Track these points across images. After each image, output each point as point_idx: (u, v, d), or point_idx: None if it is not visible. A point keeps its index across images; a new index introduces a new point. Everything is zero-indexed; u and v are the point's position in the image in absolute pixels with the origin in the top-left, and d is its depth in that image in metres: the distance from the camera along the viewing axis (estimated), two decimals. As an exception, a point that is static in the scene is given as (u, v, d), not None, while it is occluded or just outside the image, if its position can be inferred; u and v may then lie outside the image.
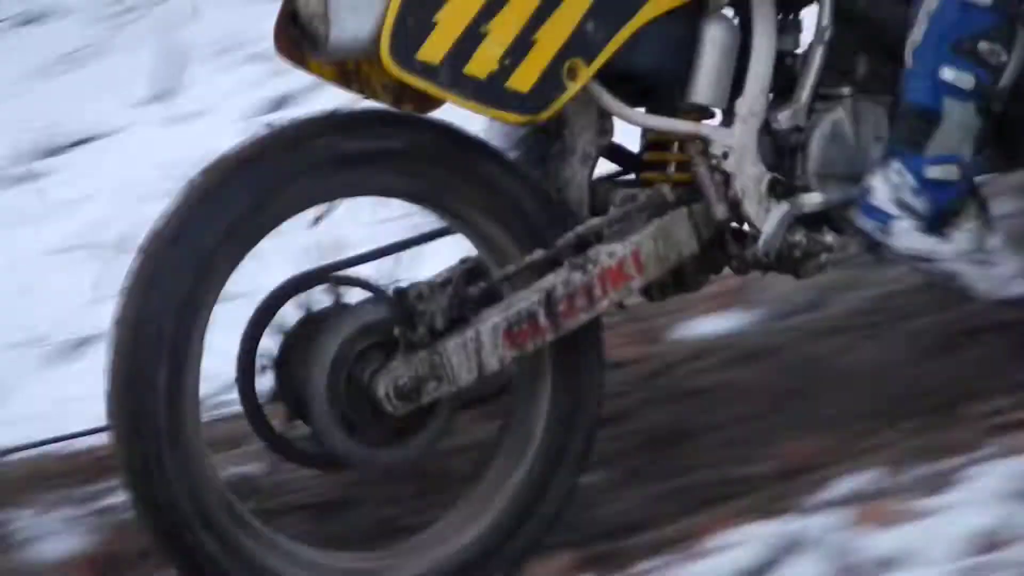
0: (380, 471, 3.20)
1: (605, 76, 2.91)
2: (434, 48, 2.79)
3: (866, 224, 2.94)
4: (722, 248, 3.10)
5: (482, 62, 2.84)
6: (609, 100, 2.93)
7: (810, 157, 3.04)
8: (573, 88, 2.85)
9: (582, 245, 2.90)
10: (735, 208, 3.01)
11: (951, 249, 2.92)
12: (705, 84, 3.00)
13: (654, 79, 3.03)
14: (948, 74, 2.86)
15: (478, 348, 2.80)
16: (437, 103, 2.96)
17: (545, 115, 2.89)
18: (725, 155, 3.00)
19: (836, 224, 3.06)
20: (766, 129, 3.03)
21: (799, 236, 3.02)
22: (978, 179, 3.09)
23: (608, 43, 2.86)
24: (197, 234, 2.72)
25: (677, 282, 3.15)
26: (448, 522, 2.94)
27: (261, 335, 2.92)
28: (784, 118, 3.03)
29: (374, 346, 2.82)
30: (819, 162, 3.04)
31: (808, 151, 3.04)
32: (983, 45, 2.85)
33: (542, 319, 2.84)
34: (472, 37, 2.82)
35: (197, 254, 2.74)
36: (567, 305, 2.87)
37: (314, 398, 2.78)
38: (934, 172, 2.85)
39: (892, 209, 2.87)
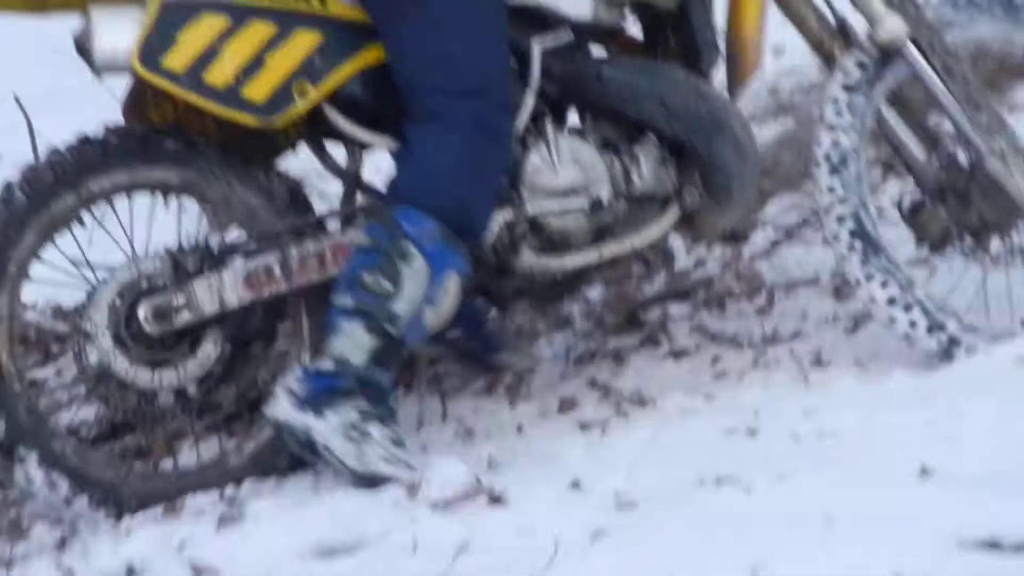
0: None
1: (339, 101, 3.80)
2: (177, 59, 3.73)
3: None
4: None
5: (219, 74, 3.74)
6: (337, 118, 3.79)
7: None
8: (302, 104, 3.74)
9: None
10: None
11: (323, 425, 3.62)
12: None
13: (381, 109, 3.81)
14: (338, 299, 3.67)
15: (220, 287, 3.75)
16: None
17: (279, 122, 3.77)
18: None
19: None
20: None
21: None
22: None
23: (331, 74, 3.74)
24: None
25: None
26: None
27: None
28: None
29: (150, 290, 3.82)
30: None
31: None
32: (366, 276, 3.63)
33: (276, 272, 3.79)
34: (210, 54, 3.74)
35: None
36: (300, 265, 3.80)
37: (97, 324, 3.78)
38: (320, 365, 3.65)
39: (277, 390, 3.67)
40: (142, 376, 3.75)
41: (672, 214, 3.97)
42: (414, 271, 3.62)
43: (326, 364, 3.62)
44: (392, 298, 3.60)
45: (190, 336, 3.76)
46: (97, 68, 3.80)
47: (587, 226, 3.92)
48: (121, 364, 3.73)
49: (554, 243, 3.94)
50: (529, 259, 3.92)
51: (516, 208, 3.86)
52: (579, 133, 3.97)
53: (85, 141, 3.82)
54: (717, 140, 3.92)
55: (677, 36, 4.03)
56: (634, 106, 3.93)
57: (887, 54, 3.94)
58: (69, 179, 3.78)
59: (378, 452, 3.62)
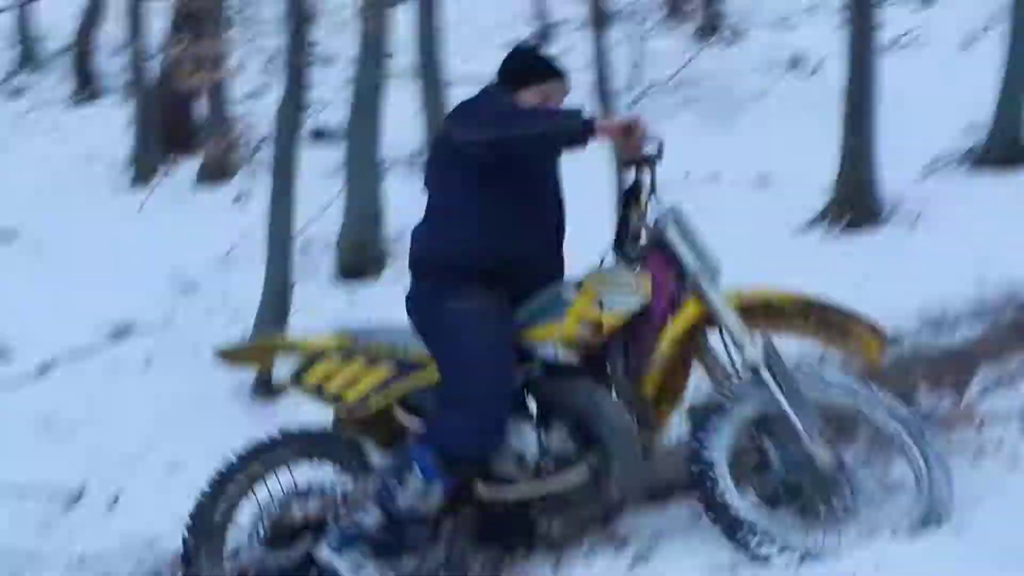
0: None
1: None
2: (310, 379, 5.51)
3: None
4: None
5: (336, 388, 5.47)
6: (398, 412, 5.43)
7: None
8: (373, 403, 5.42)
9: None
10: None
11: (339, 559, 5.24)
12: None
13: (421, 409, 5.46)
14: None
15: None
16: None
17: (360, 414, 5.51)
18: None
19: None
20: None
21: None
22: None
23: (395, 389, 5.42)
24: None
25: None
26: None
27: None
28: None
29: None
30: None
31: None
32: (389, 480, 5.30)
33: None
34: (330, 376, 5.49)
35: None
36: None
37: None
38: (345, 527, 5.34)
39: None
40: None
41: (581, 470, 5.37)
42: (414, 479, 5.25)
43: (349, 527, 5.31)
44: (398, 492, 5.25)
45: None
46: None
47: (521, 472, 5.39)
48: None
49: (498, 480, 5.41)
50: (482, 490, 5.39)
51: None
52: (521, 415, 5.45)
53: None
54: (601, 426, 5.34)
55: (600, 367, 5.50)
56: (562, 406, 5.45)
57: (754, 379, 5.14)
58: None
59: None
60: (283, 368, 5.66)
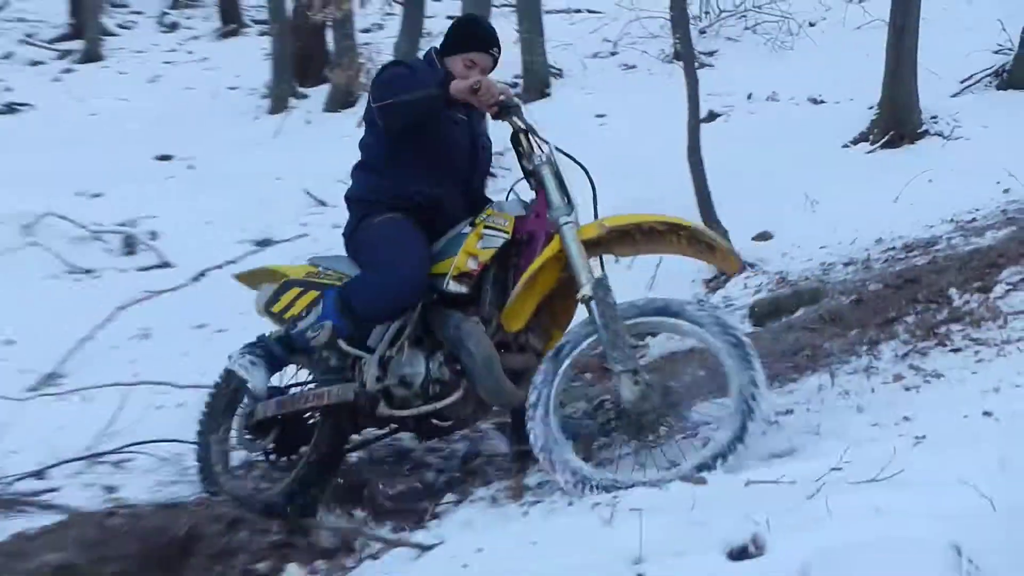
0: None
1: None
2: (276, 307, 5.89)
3: None
4: None
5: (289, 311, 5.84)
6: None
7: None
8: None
9: None
10: None
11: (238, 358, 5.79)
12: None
13: None
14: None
15: None
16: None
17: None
18: None
19: None
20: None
21: None
22: None
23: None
24: None
25: None
26: None
27: None
28: None
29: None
30: None
31: None
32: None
33: None
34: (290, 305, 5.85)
35: None
36: None
37: None
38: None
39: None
40: None
41: (458, 393, 5.41)
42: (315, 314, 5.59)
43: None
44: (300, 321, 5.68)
45: None
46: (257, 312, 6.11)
47: (411, 395, 5.47)
48: None
49: (395, 402, 5.54)
50: (384, 409, 5.54)
51: (382, 382, 5.50)
52: (419, 346, 5.53)
53: None
54: (464, 355, 5.35)
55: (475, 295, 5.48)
56: (442, 334, 5.46)
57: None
58: None
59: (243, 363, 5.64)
60: (262, 296, 6.11)
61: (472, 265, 5.40)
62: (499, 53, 5.72)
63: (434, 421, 5.68)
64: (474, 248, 5.42)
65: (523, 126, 5.34)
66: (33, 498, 6.19)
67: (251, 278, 6.34)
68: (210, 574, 4.93)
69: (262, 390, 5.68)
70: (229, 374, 5.97)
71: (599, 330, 4.90)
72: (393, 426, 5.88)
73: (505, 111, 5.34)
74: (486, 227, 5.43)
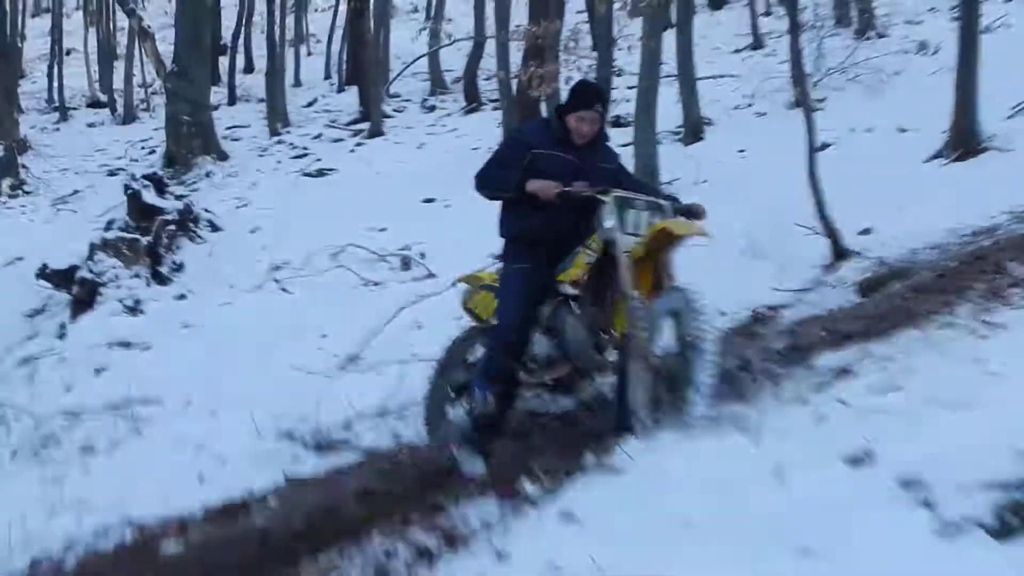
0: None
1: None
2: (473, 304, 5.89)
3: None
4: None
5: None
6: None
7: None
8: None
9: None
10: None
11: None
12: None
13: None
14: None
15: None
16: None
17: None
18: None
19: None
20: None
21: None
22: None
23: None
24: None
25: None
26: None
27: None
28: None
29: None
30: None
31: None
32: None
33: None
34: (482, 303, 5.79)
35: None
36: None
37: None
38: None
39: None
40: None
41: (567, 365, 5.33)
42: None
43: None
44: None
45: None
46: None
47: (538, 368, 5.39)
48: None
49: (529, 371, 5.44)
50: (523, 377, 5.46)
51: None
52: (547, 334, 5.37)
53: None
54: (564, 340, 5.26)
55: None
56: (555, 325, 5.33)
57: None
58: None
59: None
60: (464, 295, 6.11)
61: (581, 275, 5.24)
62: (603, 109, 5.41)
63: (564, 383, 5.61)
64: (582, 264, 5.26)
65: (581, 196, 5.13)
66: (343, 443, 6.50)
67: (467, 280, 6.32)
68: (467, 489, 5.00)
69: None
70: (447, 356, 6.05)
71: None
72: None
73: (565, 195, 5.15)
74: (588, 250, 5.24)
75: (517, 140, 5.61)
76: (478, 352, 5.79)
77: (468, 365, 5.86)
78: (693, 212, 5.36)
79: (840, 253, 8.75)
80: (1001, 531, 2.97)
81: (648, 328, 4.75)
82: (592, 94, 5.43)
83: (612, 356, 5.09)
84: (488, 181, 5.41)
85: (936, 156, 10.58)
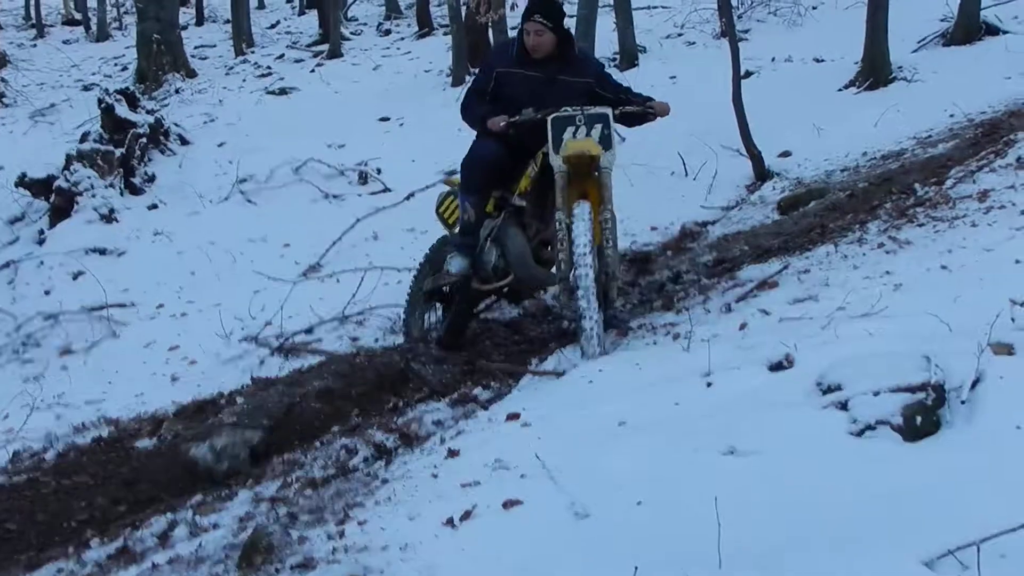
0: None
1: None
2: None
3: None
4: None
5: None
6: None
7: None
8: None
9: None
10: None
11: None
12: None
13: None
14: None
15: None
16: None
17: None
18: None
19: None
20: None
21: None
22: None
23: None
24: None
25: None
26: None
27: None
28: None
29: None
30: None
31: None
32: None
33: None
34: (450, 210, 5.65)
35: None
36: None
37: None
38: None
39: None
40: None
41: (511, 277, 5.19)
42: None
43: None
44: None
45: None
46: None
47: (487, 277, 5.27)
48: None
49: (483, 281, 5.31)
50: (475, 284, 5.35)
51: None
52: (495, 243, 5.24)
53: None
54: (506, 252, 5.15)
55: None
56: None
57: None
58: None
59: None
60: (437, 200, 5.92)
61: (527, 187, 5.15)
62: (551, 21, 5.06)
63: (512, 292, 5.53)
64: (528, 176, 5.15)
65: (524, 119, 5.00)
66: (305, 346, 6.41)
67: (450, 182, 6.12)
68: (421, 392, 4.99)
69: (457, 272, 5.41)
70: (426, 261, 5.88)
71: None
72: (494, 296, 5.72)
73: (512, 125, 5.03)
74: (535, 163, 5.12)
75: (485, 62, 5.48)
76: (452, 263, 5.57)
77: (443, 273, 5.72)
78: (659, 110, 5.14)
79: (762, 174, 8.72)
80: (908, 431, 3.00)
81: (564, 242, 4.66)
82: (533, 6, 5.10)
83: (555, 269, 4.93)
84: (466, 115, 5.31)
85: (849, 85, 10.51)
